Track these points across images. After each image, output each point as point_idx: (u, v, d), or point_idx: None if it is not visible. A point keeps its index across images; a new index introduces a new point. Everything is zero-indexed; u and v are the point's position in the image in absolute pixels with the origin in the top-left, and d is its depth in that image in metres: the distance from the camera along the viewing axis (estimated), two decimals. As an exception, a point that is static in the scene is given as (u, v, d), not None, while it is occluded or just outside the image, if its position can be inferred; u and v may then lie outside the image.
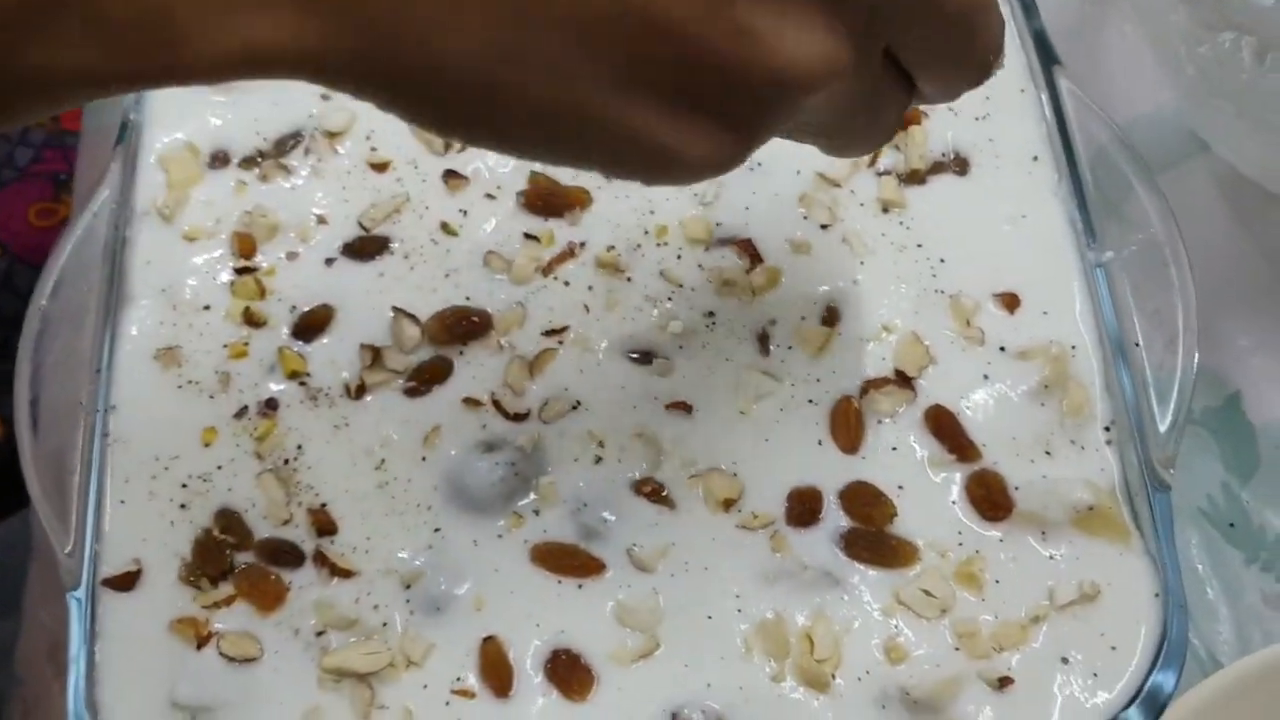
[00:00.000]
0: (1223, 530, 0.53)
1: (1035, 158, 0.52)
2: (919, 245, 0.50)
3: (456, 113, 0.30)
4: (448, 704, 0.43)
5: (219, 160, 0.52)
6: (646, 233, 0.51)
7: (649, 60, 0.29)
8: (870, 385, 0.47)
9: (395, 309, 0.49)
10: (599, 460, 0.47)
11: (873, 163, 0.52)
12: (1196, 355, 0.46)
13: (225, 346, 0.48)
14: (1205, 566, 0.52)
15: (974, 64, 0.35)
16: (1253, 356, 0.56)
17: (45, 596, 0.57)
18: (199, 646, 0.44)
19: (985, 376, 0.48)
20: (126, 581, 0.45)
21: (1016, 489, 0.45)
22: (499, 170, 0.52)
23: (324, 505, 0.46)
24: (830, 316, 0.49)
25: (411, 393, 0.48)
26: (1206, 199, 0.60)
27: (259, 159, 0.52)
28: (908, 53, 0.34)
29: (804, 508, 0.46)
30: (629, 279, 0.50)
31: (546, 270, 0.50)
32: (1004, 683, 0.42)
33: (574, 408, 0.48)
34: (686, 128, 0.30)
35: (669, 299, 0.50)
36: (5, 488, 0.69)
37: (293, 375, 0.48)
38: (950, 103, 0.37)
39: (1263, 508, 0.53)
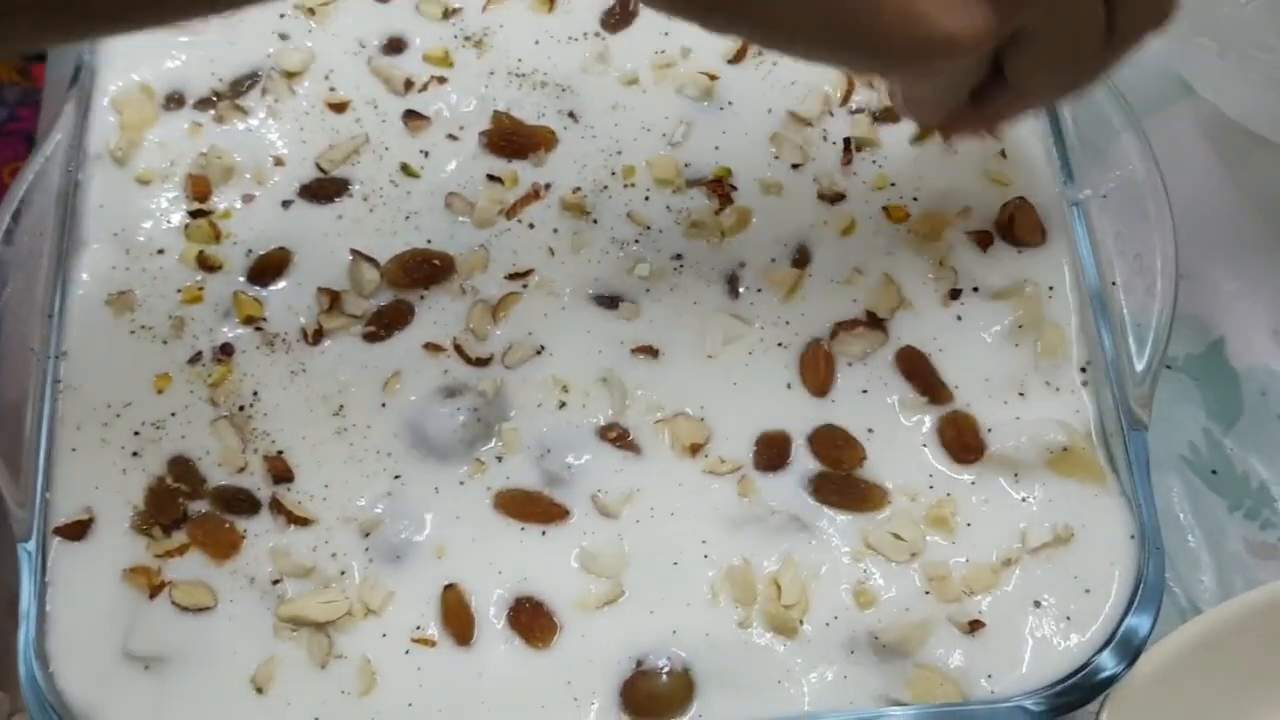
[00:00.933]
0: (1205, 477, 0.52)
1: (1012, 95, 0.50)
2: (892, 184, 0.49)
3: None
4: (408, 653, 0.42)
5: (174, 102, 0.51)
6: (614, 174, 0.50)
7: None
8: (841, 327, 0.46)
9: (354, 252, 0.48)
10: (563, 405, 0.45)
11: (845, 101, 0.51)
12: (1176, 288, 0.45)
13: (179, 291, 0.47)
14: (1187, 514, 0.51)
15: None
16: (1237, 301, 0.55)
17: (3, 551, 0.56)
18: (152, 596, 0.43)
19: (959, 318, 0.46)
20: (77, 530, 0.44)
21: (989, 431, 0.44)
22: (461, 110, 0.51)
23: (280, 452, 0.45)
24: (801, 258, 0.48)
25: (371, 338, 0.47)
26: (1191, 143, 0.59)
27: (214, 100, 0.51)
28: None
29: (772, 452, 0.44)
30: (595, 221, 0.49)
31: (510, 212, 0.49)
32: (974, 626, 0.41)
33: (538, 352, 0.46)
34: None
35: (636, 241, 0.48)
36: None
37: (248, 320, 0.47)
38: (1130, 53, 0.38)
39: (1246, 454, 0.52)
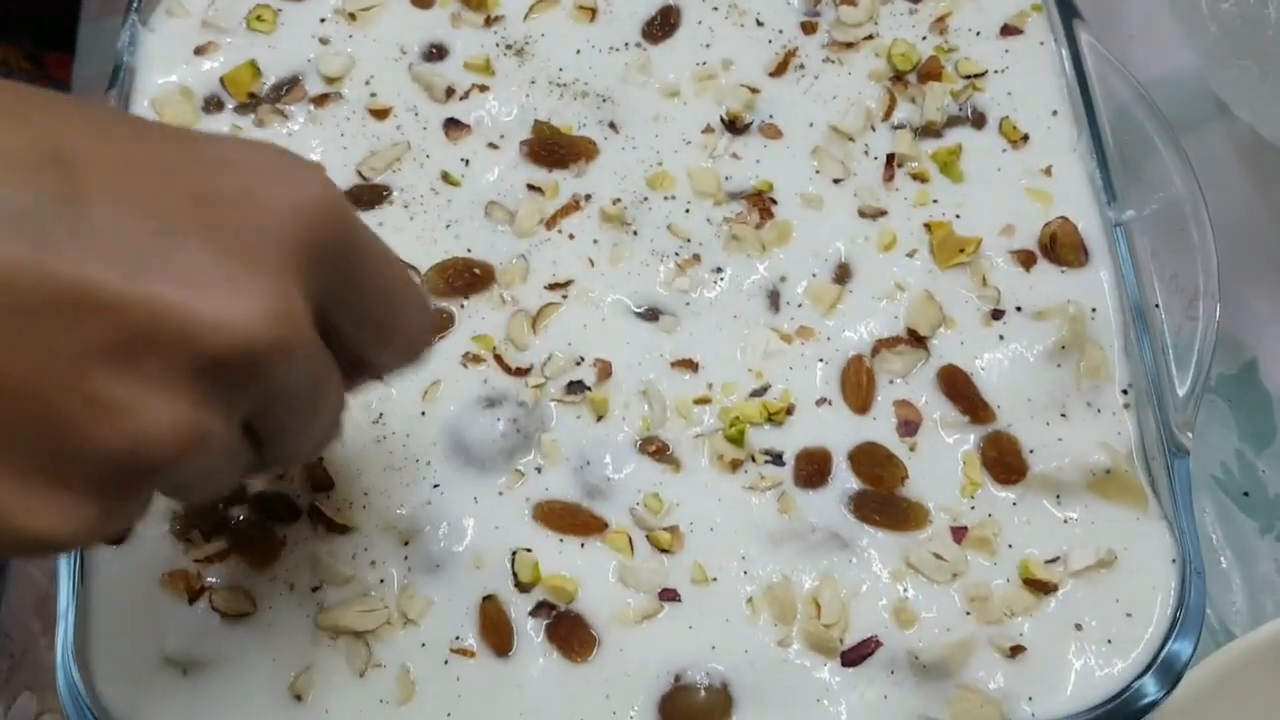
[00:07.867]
0: (1236, 499, 0.52)
1: (1055, 113, 0.50)
2: (934, 201, 0.49)
3: None
4: (446, 663, 0.42)
5: (213, 105, 0.51)
6: (654, 186, 0.49)
7: None
8: (882, 344, 0.46)
9: (395, 259, 0.47)
10: (601, 418, 0.45)
11: (887, 116, 0.51)
12: (1217, 316, 0.45)
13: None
14: (1219, 536, 0.51)
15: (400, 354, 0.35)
16: (1270, 323, 0.55)
17: (33, 551, 0.55)
18: (191, 600, 0.43)
19: (1001, 337, 0.46)
20: (117, 535, 0.43)
21: (1031, 451, 0.44)
22: (502, 119, 0.51)
23: (320, 459, 0.45)
24: (842, 273, 0.48)
25: (411, 346, 0.46)
26: (1225, 162, 0.59)
27: (255, 103, 0.51)
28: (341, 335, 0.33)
29: (813, 468, 0.44)
30: (635, 233, 0.49)
31: (550, 223, 0.49)
32: (1015, 650, 0.41)
33: (577, 364, 0.46)
34: (33, 497, 0.28)
35: (676, 254, 0.48)
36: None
37: (289, 326, 0.47)
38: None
39: (1278, 476, 0.52)
